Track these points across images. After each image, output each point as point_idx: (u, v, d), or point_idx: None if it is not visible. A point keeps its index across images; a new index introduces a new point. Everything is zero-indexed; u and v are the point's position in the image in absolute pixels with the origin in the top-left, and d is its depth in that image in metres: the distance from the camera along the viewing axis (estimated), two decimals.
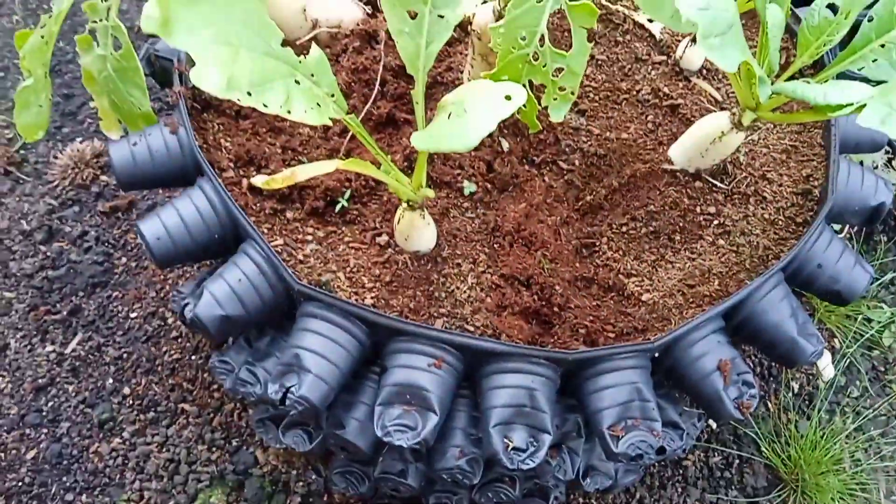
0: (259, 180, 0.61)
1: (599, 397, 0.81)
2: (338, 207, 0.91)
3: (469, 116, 0.60)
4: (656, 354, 0.83)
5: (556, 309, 0.88)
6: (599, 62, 1.08)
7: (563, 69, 0.73)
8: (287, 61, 0.63)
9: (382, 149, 0.97)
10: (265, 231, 0.89)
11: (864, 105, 0.64)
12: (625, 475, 1.00)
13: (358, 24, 1.04)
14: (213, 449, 1.19)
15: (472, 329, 0.85)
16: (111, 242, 1.36)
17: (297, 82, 0.63)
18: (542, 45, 0.70)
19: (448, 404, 0.81)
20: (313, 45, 0.67)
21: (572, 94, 0.75)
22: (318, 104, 0.64)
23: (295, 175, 0.61)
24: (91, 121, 1.54)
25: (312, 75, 0.66)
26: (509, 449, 0.78)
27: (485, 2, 0.98)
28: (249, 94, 0.58)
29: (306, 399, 0.76)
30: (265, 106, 0.59)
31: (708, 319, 0.83)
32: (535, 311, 0.88)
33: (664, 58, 1.08)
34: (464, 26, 1.04)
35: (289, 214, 0.91)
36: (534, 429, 0.79)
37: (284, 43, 0.64)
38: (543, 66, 0.72)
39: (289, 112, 0.61)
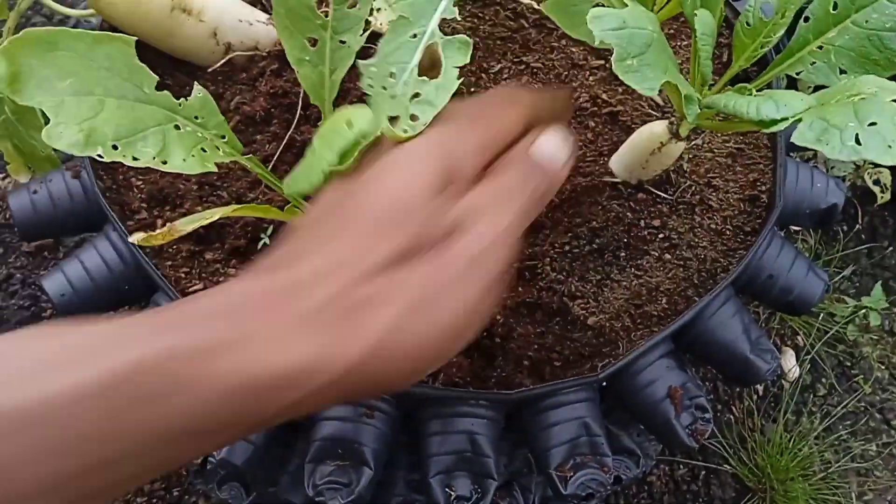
0: (137, 237, 0.55)
1: (545, 436, 0.76)
2: (260, 244, 0.86)
3: (315, 152, 0.54)
4: (604, 384, 0.79)
5: (498, 340, 0.83)
6: (535, 70, 1.02)
7: (420, 94, 0.62)
8: (164, 106, 0.57)
9: None
10: (183, 275, 0.83)
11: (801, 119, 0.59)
12: (585, 500, 0.96)
13: (276, 45, 0.98)
14: (154, 500, 1.12)
15: None
16: (38, 285, 1.28)
17: (177, 127, 0.57)
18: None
19: (385, 454, 0.76)
20: (196, 84, 0.60)
21: (423, 126, 0.64)
22: (203, 149, 0.58)
23: (174, 230, 0.55)
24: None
25: (197, 117, 0.59)
26: (452, 499, 0.73)
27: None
28: (115, 147, 0.52)
29: (228, 462, 0.71)
30: (135, 159, 0.53)
31: (655, 344, 0.79)
32: (475, 344, 0.83)
33: (601, 62, 1.03)
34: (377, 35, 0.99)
35: (208, 255, 0.85)
36: (478, 475, 0.74)
37: (192, 72, 0.57)
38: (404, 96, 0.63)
39: (164, 163, 0.55)
